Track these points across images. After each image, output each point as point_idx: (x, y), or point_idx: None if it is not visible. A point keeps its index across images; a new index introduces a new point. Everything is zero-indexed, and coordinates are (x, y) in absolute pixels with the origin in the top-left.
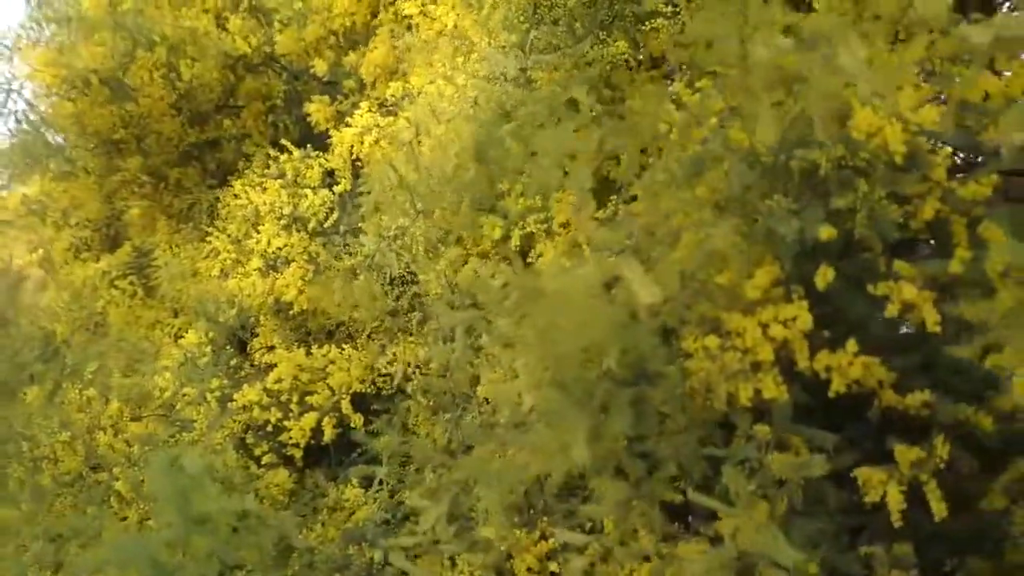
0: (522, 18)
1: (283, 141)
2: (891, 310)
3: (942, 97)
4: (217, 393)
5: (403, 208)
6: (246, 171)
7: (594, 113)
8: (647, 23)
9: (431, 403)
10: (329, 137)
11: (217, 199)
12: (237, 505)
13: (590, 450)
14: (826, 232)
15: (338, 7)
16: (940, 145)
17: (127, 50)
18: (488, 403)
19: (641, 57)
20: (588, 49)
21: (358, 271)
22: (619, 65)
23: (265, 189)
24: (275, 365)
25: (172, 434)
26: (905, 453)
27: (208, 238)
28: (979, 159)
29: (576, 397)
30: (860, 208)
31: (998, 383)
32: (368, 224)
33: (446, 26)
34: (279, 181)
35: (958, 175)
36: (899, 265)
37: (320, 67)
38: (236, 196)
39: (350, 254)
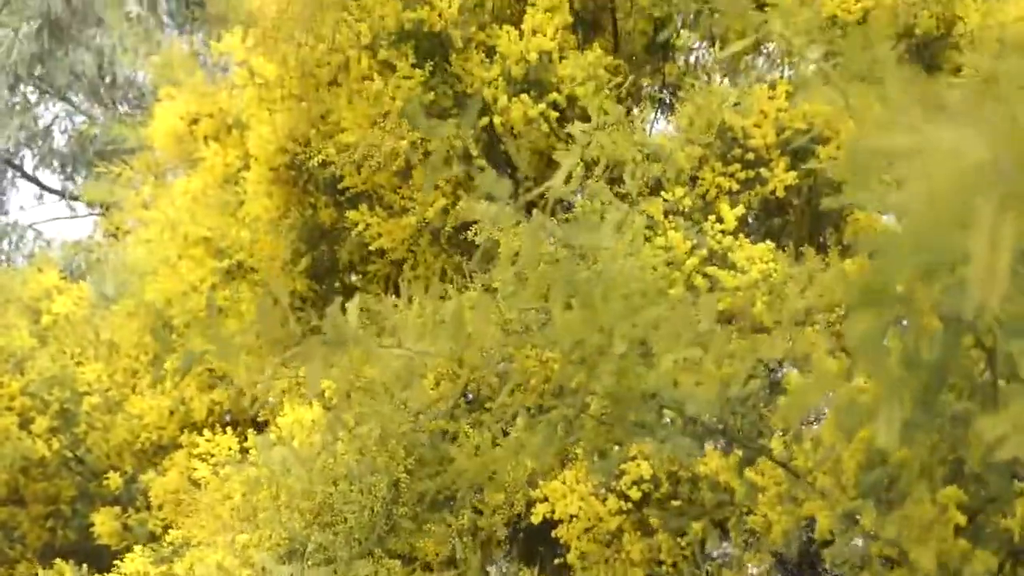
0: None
1: (57, 560)
2: None
3: None
4: None
5: None
6: None
7: None
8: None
9: None
10: (118, 555)
11: None
12: None
13: None
14: None
15: (149, 416)
16: None
17: None
18: None
19: None
20: (360, 571)
21: None
22: None
23: None
24: None
25: None
26: None
27: None
28: None
29: None
30: None
31: None
32: None
33: (232, 497)
34: None
35: None
36: None
37: (114, 482)
38: None
39: None
